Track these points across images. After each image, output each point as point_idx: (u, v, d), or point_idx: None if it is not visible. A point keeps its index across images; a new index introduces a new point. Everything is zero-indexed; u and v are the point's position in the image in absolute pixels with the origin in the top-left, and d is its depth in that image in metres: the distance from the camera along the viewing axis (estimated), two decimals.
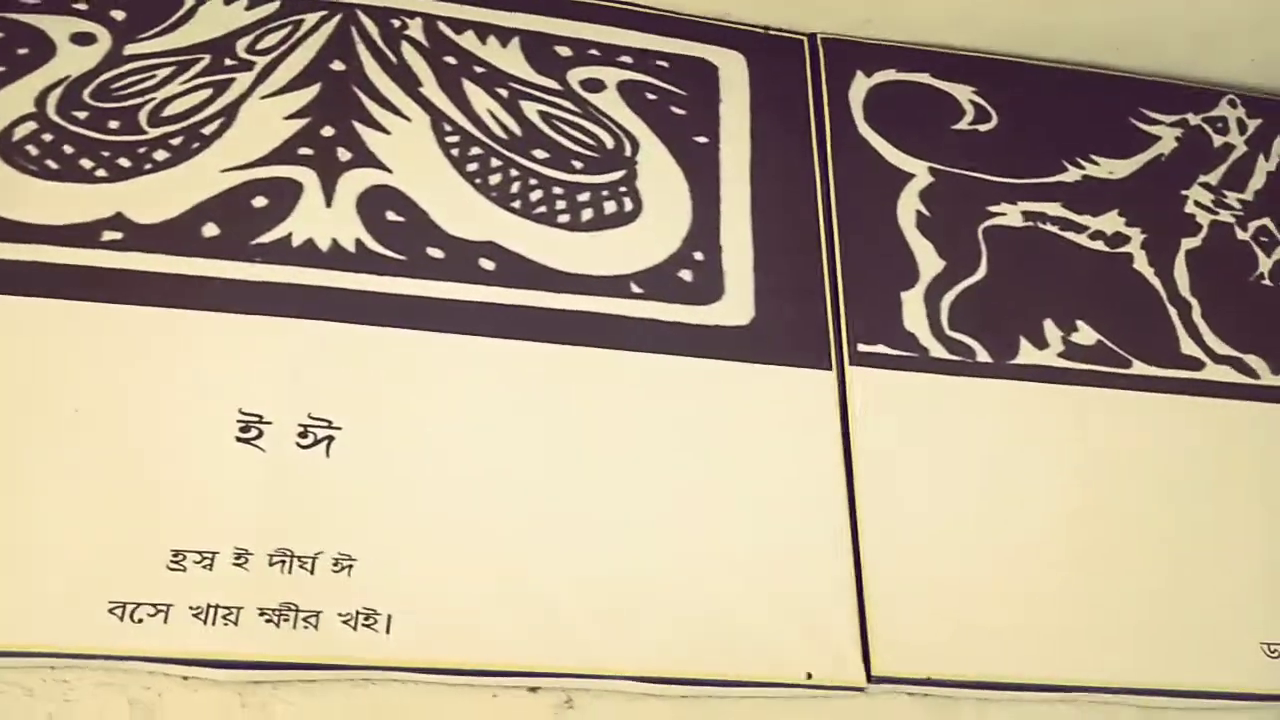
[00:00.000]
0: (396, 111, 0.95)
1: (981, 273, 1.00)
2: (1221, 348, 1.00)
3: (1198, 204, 1.09)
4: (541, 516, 0.80)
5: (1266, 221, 1.09)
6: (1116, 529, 0.89)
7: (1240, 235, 1.08)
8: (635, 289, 0.91)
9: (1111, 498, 0.91)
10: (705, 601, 0.79)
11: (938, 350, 0.95)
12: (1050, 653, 0.82)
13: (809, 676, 0.77)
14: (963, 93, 1.11)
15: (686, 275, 0.93)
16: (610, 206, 0.95)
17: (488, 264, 0.90)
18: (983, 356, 0.95)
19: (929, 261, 0.99)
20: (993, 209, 1.04)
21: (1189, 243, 1.06)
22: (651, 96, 1.03)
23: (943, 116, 1.09)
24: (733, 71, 1.07)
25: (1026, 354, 0.96)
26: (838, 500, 0.85)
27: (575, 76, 1.03)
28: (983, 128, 1.09)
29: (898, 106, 1.08)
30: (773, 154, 1.02)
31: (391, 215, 0.89)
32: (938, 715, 0.80)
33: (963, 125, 1.09)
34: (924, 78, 1.11)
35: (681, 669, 0.77)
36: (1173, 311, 1.01)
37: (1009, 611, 0.83)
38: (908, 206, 1.02)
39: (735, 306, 0.93)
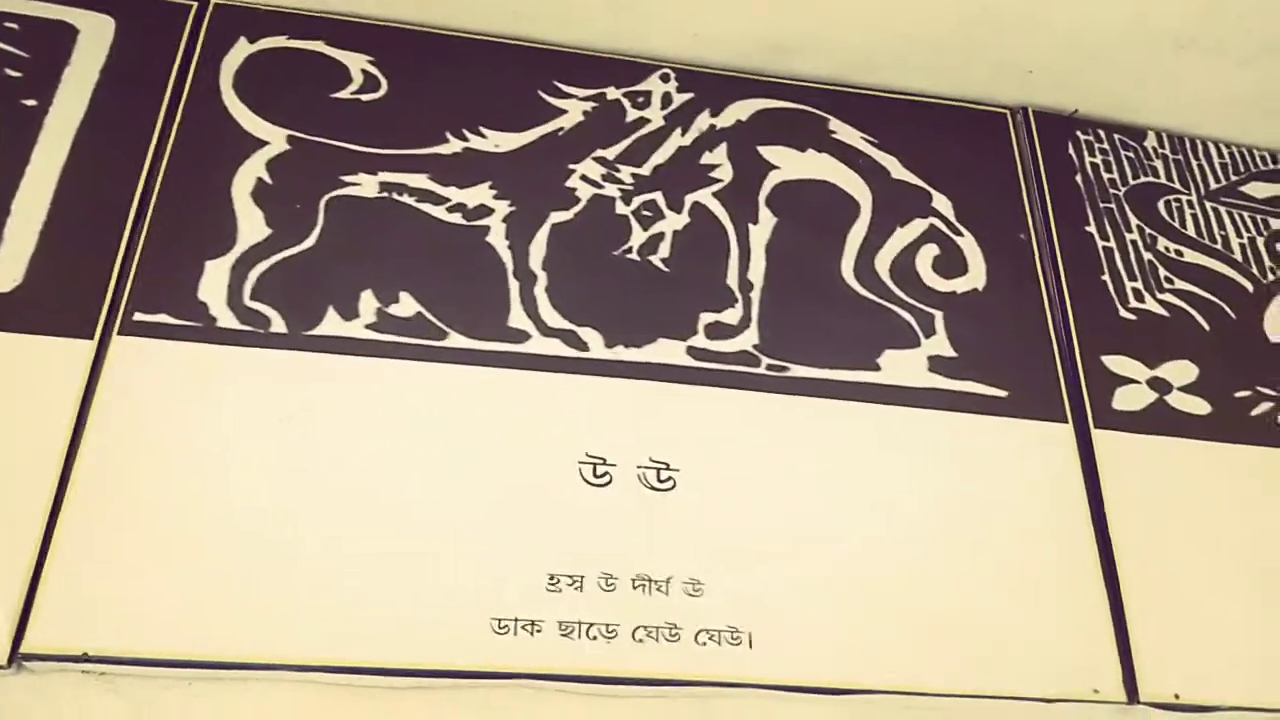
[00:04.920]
0: None
1: (309, 243, 0.97)
2: (557, 321, 0.99)
3: (584, 178, 1.08)
4: None
5: (656, 196, 1.08)
6: (414, 504, 0.88)
7: (621, 209, 1.07)
8: None
9: (412, 470, 0.89)
10: None
11: (228, 320, 0.92)
12: (248, 630, 0.81)
13: None
14: (356, 61, 1.09)
15: None
16: None
17: None
18: (278, 327, 0.93)
19: (252, 231, 0.97)
20: (347, 179, 1.02)
21: (559, 216, 1.05)
22: None
23: (325, 85, 1.07)
24: (95, 36, 1.03)
25: (330, 325, 0.94)
26: (44, 477, 0.82)
27: None
28: (366, 97, 1.07)
29: (275, 74, 1.06)
30: (110, 120, 0.99)
31: None
32: (117, 695, 0.78)
33: (345, 94, 1.07)
34: (317, 45, 1.09)
35: None
36: (515, 285, 1.00)
37: (218, 586, 0.81)
38: (249, 174, 1.00)
39: (1, 273, 0.90)
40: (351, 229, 0.99)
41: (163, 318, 0.91)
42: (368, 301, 0.96)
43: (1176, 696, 0.94)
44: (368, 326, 0.95)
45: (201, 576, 0.82)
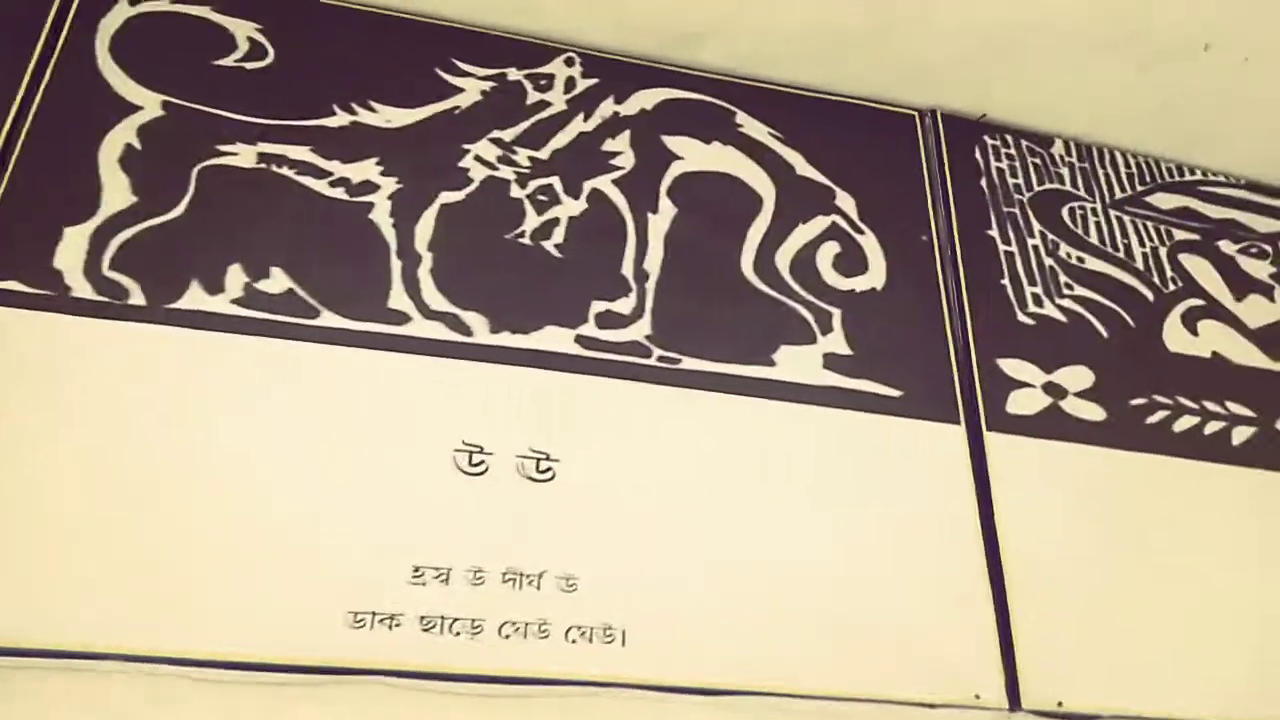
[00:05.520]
0: None
1: (177, 213, 0.92)
2: (439, 303, 0.95)
3: (478, 159, 1.04)
4: None
5: (552, 181, 1.05)
6: (274, 489, 0.84)
7: (516, 193, 1.03)
8: None
9: (274, 453, 0.85)
10: None
11: (83, 290, 0.87)
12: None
13: None
14: (243, 28, 1.04)
15: None
16: None
17: None
18: (136, 299, 0.88)
19: (116, 198, 0.91)
20: (224, 148, 0.97)
21: (449, 197, 1.01)
22: None
23: (207, 51, 1.02)
24: None
25: (193, 299, 0.89)
26: None
27: None
28: (251, 65, 1.02)
29: (155, 38, 1.00)
30: None
31: None
32: None
33: (228, 61, 1.02)
34: (203, 10, 1.04)
35: None
36: (397, 264, 0.96)
37: (58, 571, 0.76)
38: (117, 140, 0.94)
39: None
40: (224, 200, 0.94)
41: (13, 285, 0.85)
42: (235, 276, 0.91)
43: (1060, 704, 0.93)
44: (234, 301, 0.90)
45: (41, 561, 0.76)
